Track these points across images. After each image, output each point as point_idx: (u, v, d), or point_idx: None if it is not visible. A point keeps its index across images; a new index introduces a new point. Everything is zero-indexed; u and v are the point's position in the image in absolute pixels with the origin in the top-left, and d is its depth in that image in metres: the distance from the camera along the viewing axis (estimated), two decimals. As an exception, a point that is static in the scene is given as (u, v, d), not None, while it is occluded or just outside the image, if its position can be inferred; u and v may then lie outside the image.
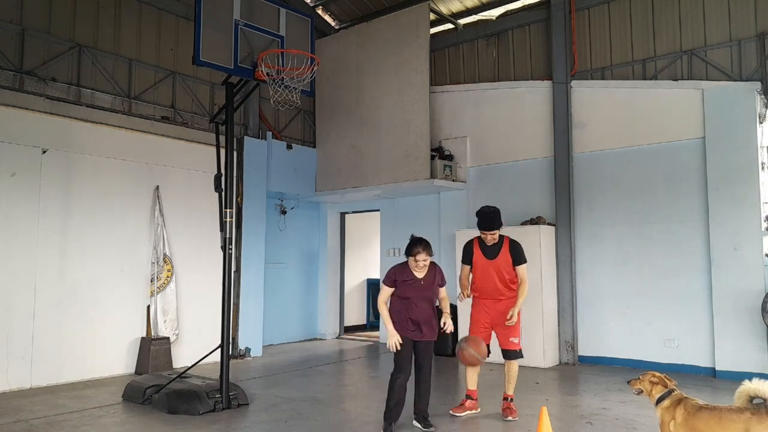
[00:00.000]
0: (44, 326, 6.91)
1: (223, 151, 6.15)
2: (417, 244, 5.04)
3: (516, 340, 5.55)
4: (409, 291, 5.03)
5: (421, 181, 9.12)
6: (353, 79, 10.22)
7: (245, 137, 9.32)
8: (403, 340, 4.92)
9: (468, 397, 5.66)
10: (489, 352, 5.52)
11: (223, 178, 6.12)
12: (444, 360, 8.66)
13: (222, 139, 6.19)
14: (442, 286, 5.18)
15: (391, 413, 4.95)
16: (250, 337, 9.14)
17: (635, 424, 5.18)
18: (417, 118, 9.28)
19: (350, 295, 12.01)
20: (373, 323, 12.31)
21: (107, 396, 6.39)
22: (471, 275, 5.75)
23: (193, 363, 6.68)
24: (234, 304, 8.83)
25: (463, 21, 10.29)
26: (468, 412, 5.59)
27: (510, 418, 5.39)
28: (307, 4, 10.68)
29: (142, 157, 8.00)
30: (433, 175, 9.07)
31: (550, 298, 8.29)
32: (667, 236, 7.78)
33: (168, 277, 8.06)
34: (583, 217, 8.48)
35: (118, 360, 7.57)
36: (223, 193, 6.11)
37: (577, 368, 8.01)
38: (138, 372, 7.54)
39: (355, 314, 12.35)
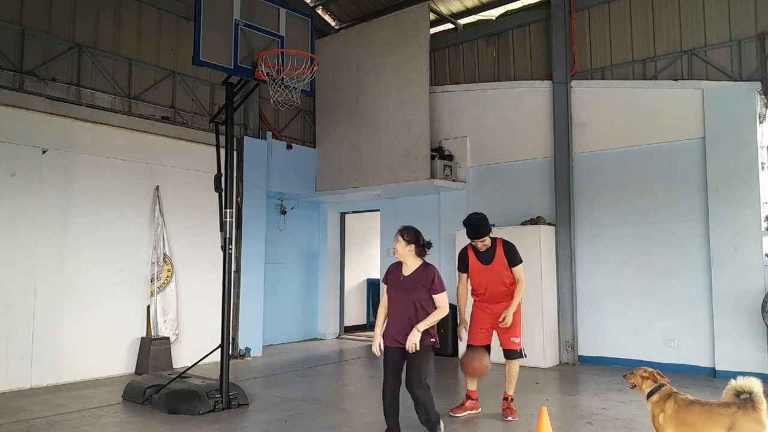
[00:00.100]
0: (44, 326, 6.91)
1: (223, 151, 6.15)
2: (397, 231, 4.60)
3: (517, 340, 5.54)
4: (390, 291, 4.59)
5: (421, 181, 9.11)
6: (353, 79, 10.22)
7: (245, 137, 9.32)
8: (385, 347, 4.53)
9: (468, 397, 5.66)
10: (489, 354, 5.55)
11: (223, 178, 6.12)
12: (444, 360, 8.66)
13: (222, 139, 6.19)
14: (435, 292, 4.43)
15: (387, 420, 4.63)
16: (250, 337, 9.14)
17: (635, 424, 5.18)
18: (417, 118, 9.28)
19: (350, 295, 12.01)
20: (372, 323, 12.29)
21: (107, 396, 6.39)
22: (469, 282, 5.73)
23: (193, 363, 6.68)
24: (234, 304, 8.83)
25: (463, 21, 10.29)
26: (468, 412, 5.59)
27: (510, 418, 5.39)
28: (307, 4, 10.68)
29: (142, 157, 8.00)
30: (433, 175, 9.07)
31: (550, 298, 8.29)
32: (667, 236, 7.78)
33: (168, 277, 8.06)
34: (583, 217, 8.48)
35: (118, 360, 7.57)
36: (223, 193, 6.11)
37: (577, 368, 8.01)
38: (138, 372, 7.54)
39: (355, 314, 12.35)
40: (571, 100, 8.64)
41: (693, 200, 7.62)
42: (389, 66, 9.69)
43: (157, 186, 8.12)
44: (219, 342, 5.93)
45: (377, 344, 4.55)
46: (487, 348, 5.56)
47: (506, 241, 5.66)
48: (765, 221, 7.17)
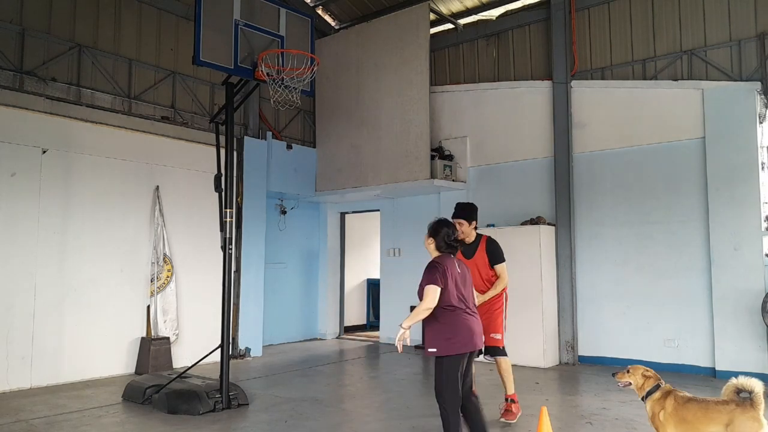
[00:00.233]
0: (44, 326, 6.91)
1: (223, 151, 6.15)
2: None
3: (498, 336, 5.40)
4: None
5: (421, 181, 9.11)
6: (353, 79, 10.22)
7: (245, 137, 9.32)
8: None
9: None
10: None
11: (223, 178, 6.12)
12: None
13: (222, 139, 6.19)
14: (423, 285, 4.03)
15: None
16: (250, 337, 9.14)
17: (635, 424, 5.18)
18: (417, 118, 9.28)
19: (350, 295, 12.01)
20: (372, 323, 12.33)
21: (107, 396, 6.38)
22: None
23: (193, 363, 6.68)
24: (234, 304, 8.83)
25: (463, 21, 10.29)
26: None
27: (503, 419, 5.27)
28: (307, 4, 10.68)
29: (142, 157, 8.00)
30: (433, 175, 9.07)
31: (550, 298, 8.29)
32: (667, 236, 7.78)
33: (168, 277, 8.06)
34: (583, 217, 8.48)
35: (118, 360, 7.57)
36: (223, 193, 6.11)
37: (577, 368, 8.01)
38: (138, 372, 7.54)
39: (355, 314, 12.35)
40: (571, 100, 8.64)
41: (693, 200, 7.62)
42: (389, 66, 9.69)
43: (157, 186, 8.12)
44: (219, 342, 5.93)
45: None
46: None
47: (491, 238, 5.59)
48: (765, 221, 7.17)
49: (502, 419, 5.31)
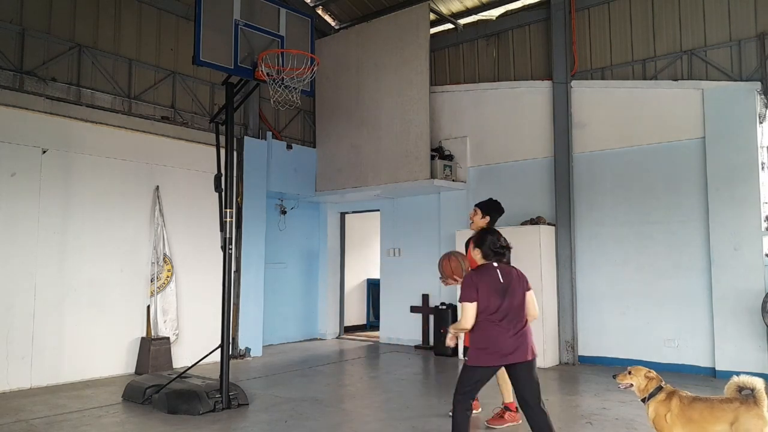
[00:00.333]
0: (44, 326, 6.91)
1: (223, 151, 6.15)
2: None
3: None
4: None
5: (421, 181, 9.11)
6: (353, 79, 10.22)
7: (245, 137, 9.32)
8: None
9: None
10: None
11: (223, 178, 6.12)
12: (443, 359, 8.67)
13: (222, 139, 6.19)
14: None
15: None
16: (250, 337, 9.14)
17: (635, 424, 5.18)
18: (417, 118, 9.28)
19: (350, 295, 12.02)
20: (372, 323, 12.33)
21: (107, 396, 6.39)
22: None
23: (193, 363, 6.68)
24: (234, 304, 8.83)
25: (463, 21, 10.29)
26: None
27: (488, 424, 5.17)
28: (307, 4, 10.68)
29: (142, 157, 8.00)
30: (433, 175, 9.07)
31: (550, 298, 8.29)
32: (667, 236, 7.78)
33: (168, 277, 8.06)
34: (583, 217, 8.48)
35: (118, 360, 7.57)
36: (223, 193, 6.11)
37: (577, 368, 8.01)
38: (138, 372, 7.54)
39: (355, 314, 12.35)
40: (571, 100, 8.64)
41: (693, 200, 7.62)
42: (389, 66, 9.69)
43: (157, 186, 8.12)
44: (219, 342, 5.93)
45: None
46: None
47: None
48: (765, 221, 7.17)
49: (486, 423, 5.20)
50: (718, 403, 3.55)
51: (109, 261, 7.56)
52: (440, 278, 5.46)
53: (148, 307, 7.88)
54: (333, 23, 11.29)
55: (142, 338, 7.76)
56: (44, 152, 7.05)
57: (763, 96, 7.36)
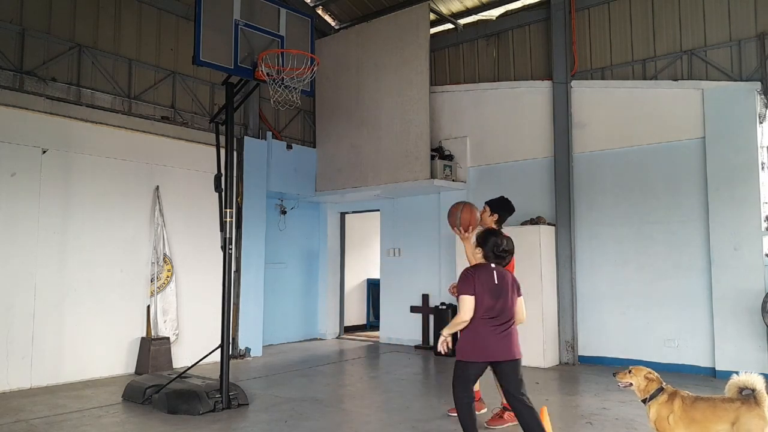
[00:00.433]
0: (44, 326, 6.91)
1: (223, 151, 6.15)
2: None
3: None
4: None
5: (421, 181, 9.11)
6: (353, 79, 10.22)
7: (245, 137, 9.32)
8: None
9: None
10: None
11: (223, 178, 6.12)
12: (443, 359, 8.66)
13: (222, 139, 6.19)
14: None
15: None
16: (250, 337, 9.14)
17: (635, 424, 5.18)
18: (417, 118, 9.28)
19: (350, 295, 12.02)
20: (372, 323, 12.33)
21: (107, 396, 6.39)
22: None
23: (193, 363, 6.67)
24: (234, 304, 8.83)
25: (463, 21, 10.29)
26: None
27: (487, 425, 5.14)
28: (307, 4, 10.68)
29: (142, 157, 8.00)
30: (433, 175, 9.07)
31: (550, 298, 8.29)
32: (667, 236, 7.78)
33: (168, 277, 8.06)
34: (583, 217, 8.48)
35: (118, 360, 7.57)
36: (223, 193, 6.11)
37: (577, 368, 8.01)
38: (138, 372, 7.54)
39: (355, 314, 12.35)
40: (571, 100, 8.64)
41: (693, 200, 7.62)
42: (389, 66, 9.69)
43: (157, 186, 8.12)
44: (219, 342, 5.93)
45: None
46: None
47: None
48: (765, 221, 7.17)
49: (486, 424, 5.17)
50: (720, 402, 3.56)
51: (109, 261, 7.55)
52: (455, 227, 5.24)
53: (148, 307, 7.88)
54: (333, 23, 11.29)
55: (142, 338, 7.76)
56: (44, 152, 7.05)
57: (763, 96, 7.36)
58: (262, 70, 5.92)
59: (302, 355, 9.35)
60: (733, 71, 7.66)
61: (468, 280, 4.06)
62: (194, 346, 7.98)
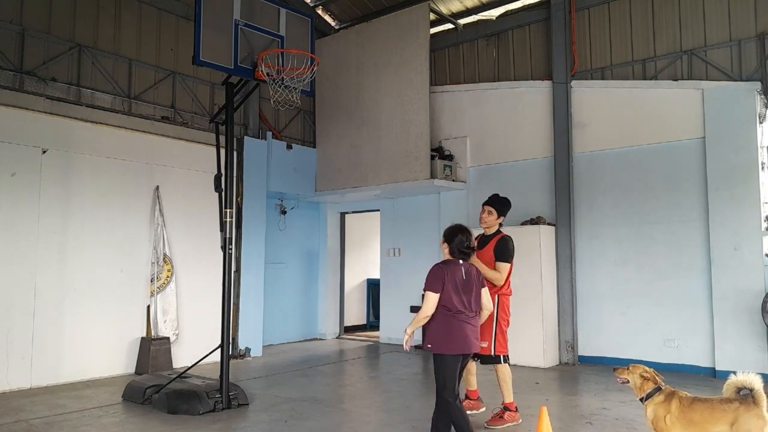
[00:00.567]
0: (44, 326, 6.91)
1: (223, 151, 6.15)
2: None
3: (485, 345, 5.13)
4: None
5: (421, 181, 9.11)
6: (353, 79, 10.22)
7: (245, 137, 9.32)
8: None
9: (467, 397, 5.64)
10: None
11: (223, 178, 6.12)
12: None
13: (222, 139, 6.19)
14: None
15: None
16: (250, 337, 9.14)
17: (635, 424, 5.18)
18: (417, 118, 9.28)
19: (350, 295, 12.02)
20: (372, 323, 12.33)
21: (107, 396, 6.39)
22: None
23: (193, 363, 6.68)
24: (234, 304, 8.83)
25: (463, 21, 10.29)
26: (468, 413, 5.54)
27: (487, 426, 5.12)
28: (307, 4, 10.68)
29: (142, 157, 8.00)
30: (433, 175, 9.07)
31: (550, 298, 8.29)
32: (667, 236, 7.78)
33: (168, 277, 8.06)
34: (583, 217, 8.48)
35: (118, 360, 7.57)
36: (223, 193, 6.11)
37: (577, 368, 8.01)
38: (138, 372, 7.54)
39: (355, 314, 12.35)
40: (571, 100, 8.64)
41: (693, 200, 7.62)
42: (389, 66, 9.69)
43: (157, 186, 8.12)
44: (219, 342, 5.93)
45: None
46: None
47: (505, 237, 5.49)
48: (765, 221, 7.17)
49: (486, 424, 5.15)
50: (718, 403, 3.53)
51: (109, 261, 7.55)
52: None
53: (148, 307, 7.88)
54: (333, 23, 11.29)
55: (142, 338, 7.76)
56: (44, 152, 7.05)
57: (763, 96, 7.36)
58: (262, 70, 5.92)
59: (302, 355, 9.35)
60: (733, 71, 7.66)
61: (437, 277, 4.19)
62: (194, 346, 7.98)
